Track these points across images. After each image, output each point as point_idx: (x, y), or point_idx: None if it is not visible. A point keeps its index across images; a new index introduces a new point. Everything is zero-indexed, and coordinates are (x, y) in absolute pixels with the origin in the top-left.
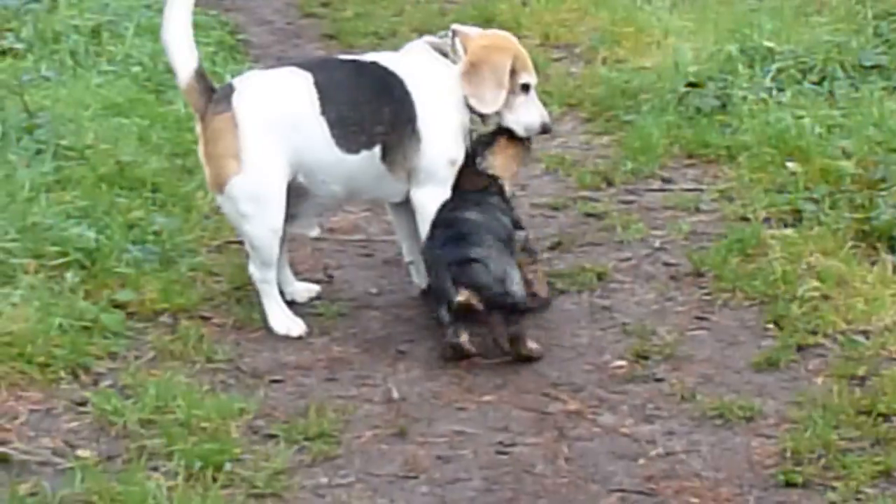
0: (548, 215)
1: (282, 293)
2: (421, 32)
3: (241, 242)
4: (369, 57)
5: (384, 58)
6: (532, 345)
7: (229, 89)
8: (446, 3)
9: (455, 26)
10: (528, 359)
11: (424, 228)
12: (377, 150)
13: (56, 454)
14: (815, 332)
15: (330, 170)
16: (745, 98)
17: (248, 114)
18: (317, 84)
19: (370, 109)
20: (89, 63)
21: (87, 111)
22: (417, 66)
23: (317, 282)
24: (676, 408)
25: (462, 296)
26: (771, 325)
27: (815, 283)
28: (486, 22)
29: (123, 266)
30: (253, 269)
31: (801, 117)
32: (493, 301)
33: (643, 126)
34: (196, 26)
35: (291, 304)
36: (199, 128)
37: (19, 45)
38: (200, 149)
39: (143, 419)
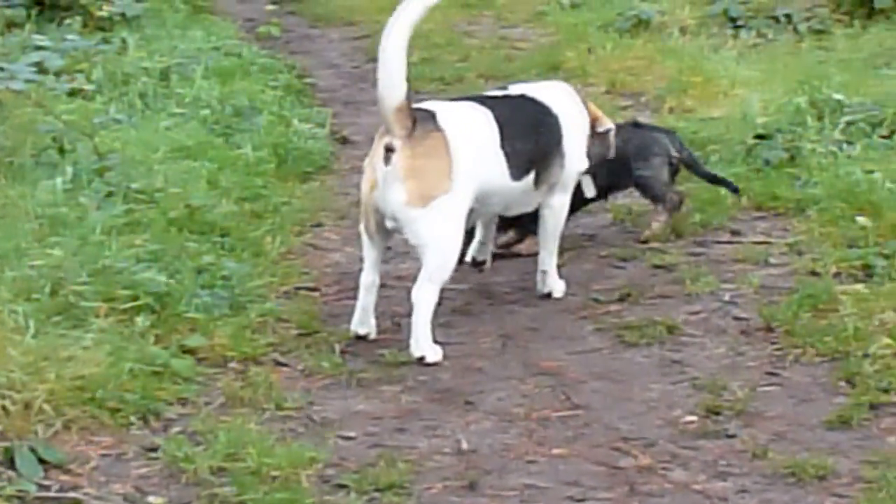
0: (616, 266)
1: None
2: (486, 78)
3: (310, 289)
4: (517, 90)
5: (531, 89)
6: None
7: (427, 112)
8: (512, 50)
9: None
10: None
11: (557, 226)
12: (532, 174)
13: (127, 500)
14: (887, 390)
15: (498, 195)
16: (814, 151)
17: (457, 136)
18: (497, 119)
19: (532, 141)
20: (158, 106)
21: (156, 154)
22: (561, 99)
23: (385, 330)
24: (749, 465)
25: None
26: (843, 383)
27: (888, 341)
28: (553, 69)
29: (193, 311)
30: (424, 293)
31: (871, 171)
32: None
33: None
34: (264, 69)
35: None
36: (398, 144)
37: (89, 87)
38: (401, 164)
39: (214, 466)
